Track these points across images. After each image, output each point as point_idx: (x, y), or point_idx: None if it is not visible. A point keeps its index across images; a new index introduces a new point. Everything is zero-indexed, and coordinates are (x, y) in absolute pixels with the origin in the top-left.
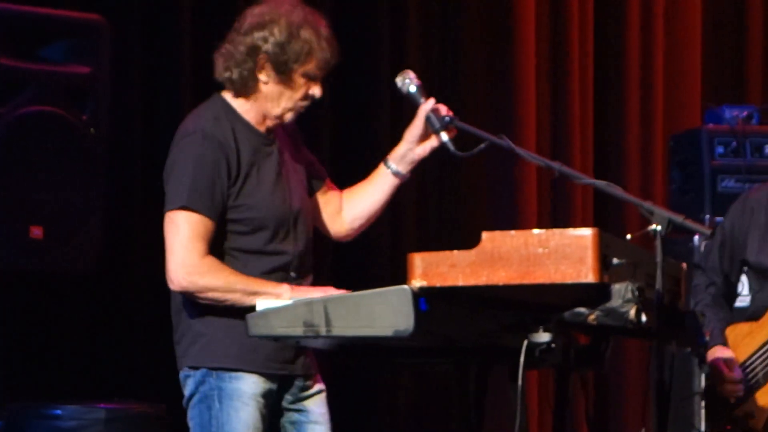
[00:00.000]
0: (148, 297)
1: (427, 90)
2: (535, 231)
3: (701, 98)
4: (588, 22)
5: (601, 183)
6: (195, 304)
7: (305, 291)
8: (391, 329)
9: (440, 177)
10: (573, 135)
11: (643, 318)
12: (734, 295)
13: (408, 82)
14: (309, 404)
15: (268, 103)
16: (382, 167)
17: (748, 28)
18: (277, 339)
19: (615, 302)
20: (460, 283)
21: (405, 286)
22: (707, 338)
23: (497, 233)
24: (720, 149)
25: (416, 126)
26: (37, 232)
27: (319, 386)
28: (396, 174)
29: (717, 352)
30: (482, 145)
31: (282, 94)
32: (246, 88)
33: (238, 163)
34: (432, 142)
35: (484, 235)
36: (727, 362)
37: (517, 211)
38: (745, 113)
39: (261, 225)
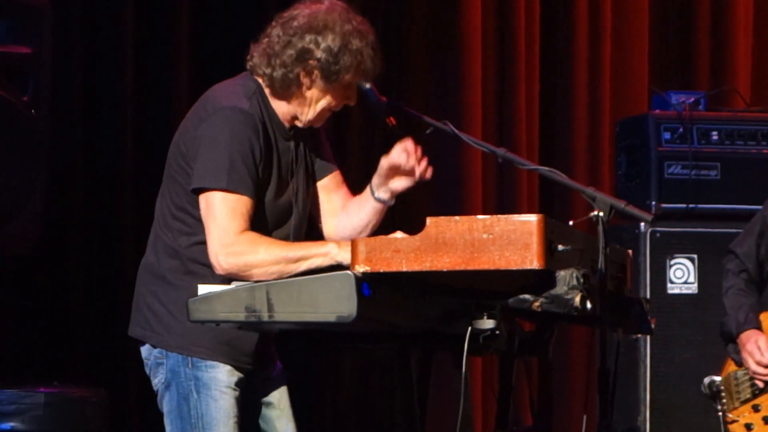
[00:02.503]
0: (88, 280)
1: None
2: (480, 216)
3: (648, 84)
4: (535, 7)
5: (543, 169)
6: (169, 286)
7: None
8: (334, 314)
9: None
10: (519, 121)
11: (588, 305)
12: (765, 282)
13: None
14: (273, 396)
15: (303, 106)
16: (367, 190)
17: (696, 13)
18: (218, 324)
19: (560, 289)
20: (404, 268)
21: (348, 271)
22: (741, 320)
23: (442, 219)
24: (667, 135)
25: (391, 158)
26: None
27: (280, 374)
28: (378, 200)
29: (752, 335)
30: (427, 131)
31: (320, 100)
32: (287, 89)
33: (261, 148)
34: (407, 182)
35: (429, 220)
36: (761, 347)
37: (461, 197)
38: (692, 99)
39: (258, 217)
